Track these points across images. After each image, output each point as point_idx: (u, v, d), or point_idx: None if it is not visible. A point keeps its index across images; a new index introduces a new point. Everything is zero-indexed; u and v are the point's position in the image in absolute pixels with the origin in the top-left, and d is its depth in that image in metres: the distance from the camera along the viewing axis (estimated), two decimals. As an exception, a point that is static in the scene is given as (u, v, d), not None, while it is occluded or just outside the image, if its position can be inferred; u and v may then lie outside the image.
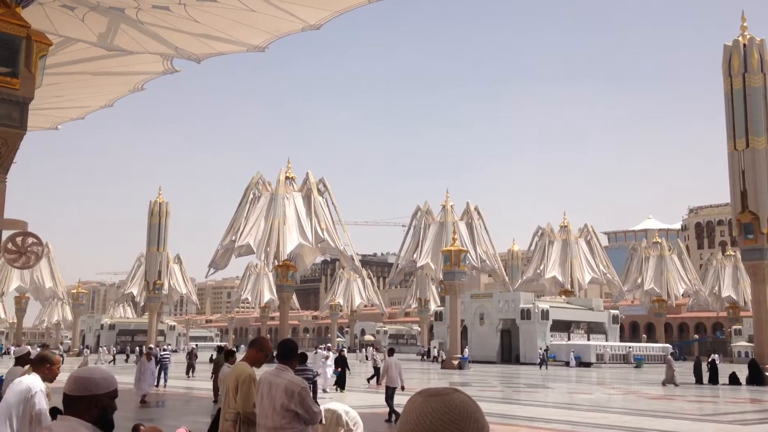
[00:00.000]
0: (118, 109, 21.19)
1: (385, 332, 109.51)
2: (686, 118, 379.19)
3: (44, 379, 6.31)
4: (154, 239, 66.70)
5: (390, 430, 16.72)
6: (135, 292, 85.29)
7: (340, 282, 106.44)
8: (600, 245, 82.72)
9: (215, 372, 26.55)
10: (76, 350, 77.20)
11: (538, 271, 77.71)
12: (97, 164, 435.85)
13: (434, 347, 68.19)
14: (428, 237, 71.27)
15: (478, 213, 73.41)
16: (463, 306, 59.80)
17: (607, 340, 65.24)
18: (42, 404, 5.97)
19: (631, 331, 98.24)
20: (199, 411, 21.58)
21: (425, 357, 69.19)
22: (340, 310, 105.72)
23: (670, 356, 38.33)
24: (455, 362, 49.75)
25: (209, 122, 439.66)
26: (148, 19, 13.22)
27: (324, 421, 9.33)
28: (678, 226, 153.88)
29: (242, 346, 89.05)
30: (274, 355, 6.75)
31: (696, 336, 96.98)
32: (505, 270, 78.43)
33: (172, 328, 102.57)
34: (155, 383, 25.86)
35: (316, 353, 31.54)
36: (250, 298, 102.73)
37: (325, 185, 54.91)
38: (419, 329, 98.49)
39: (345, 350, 40.22)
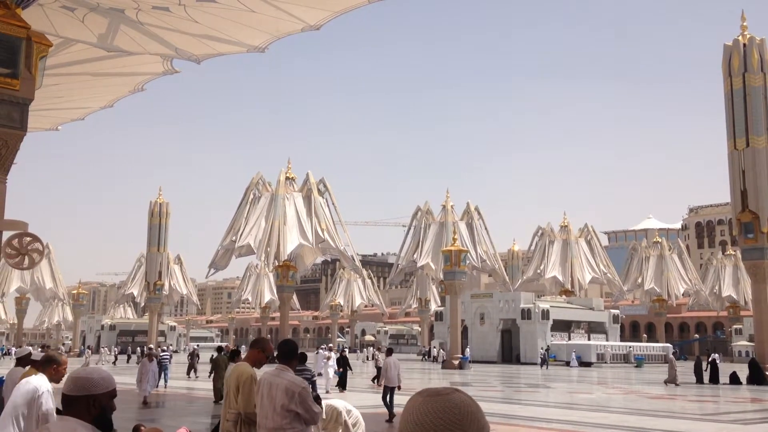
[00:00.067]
0: (118, 110, 21.22)
1: (386, 332, 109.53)
2: (686, 117, 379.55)
3: (51, 380, 6.32)
4: (155, 240, 66.74)
5: (391, 430, 16.73)
6: (135, 293, 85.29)
7: (341, 282, 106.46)
8: (600, 245, 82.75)
9: (212, 371, 26.63)
10: (77, 351, 77.25)
11: (539, 270, 77.72)
12: (97, 165, 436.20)
13: (434, 347, 68.21)
14: (428, 237, 71.29)
15: (479, 213, 73.43)
16: (464, 306, 59.82)
17: (607, 340, 65.24)
18: (49, 405, 5.98)
19: (632, 330, 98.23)
20: (200, 411, 21.59)
21: (426, 357, 69.21)
22: (341, 311, 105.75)
23: (672, 356, 38.33)
24: (456, 362, 49.76)
25: (209, 122, 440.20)
26: (148, 20, 13.22)
27: (324, 416, 9.36)
28: (678, 225, 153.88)
29: (243, 346, 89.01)
30: (275, 355, 6.76)
31: (696, 336, 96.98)
32: (506, 270, 78.46)
33: (173, 328, 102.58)
34: (157, 384, 25.84)
35: (317, 354, 31.57)
36: (250, 299, 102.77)
37: (325, 185, 54.91)
38: (420, 329, 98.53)
39: (347, 350, 40.25)
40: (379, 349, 55.34)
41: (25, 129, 10.80)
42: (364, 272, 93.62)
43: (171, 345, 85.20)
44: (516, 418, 18.90)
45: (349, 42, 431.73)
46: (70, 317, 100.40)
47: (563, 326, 63.88)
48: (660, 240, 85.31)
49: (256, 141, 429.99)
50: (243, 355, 10.83)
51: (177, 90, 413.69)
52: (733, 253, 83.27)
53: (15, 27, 10.63)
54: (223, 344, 68.57)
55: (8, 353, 76.92)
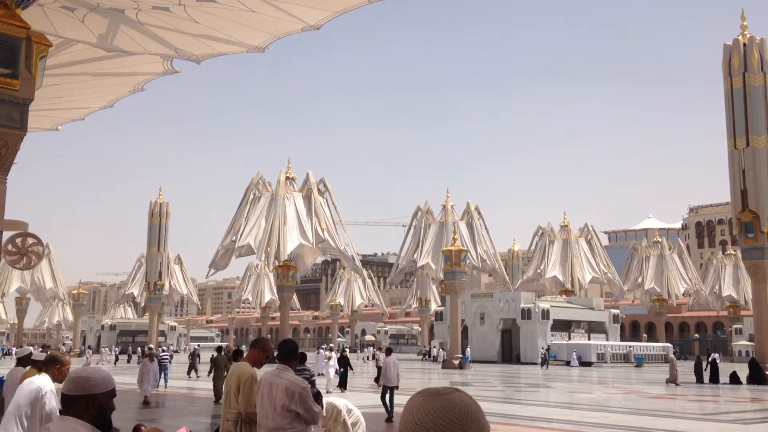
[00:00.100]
0: (118, 110, 21.21)
1: (386, 332, 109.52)
2: (686, 117, 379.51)
3: (54, 380, 6.33)
4: (155, 240, 66.73)
5: (391, 429, 16.72)
6: (135, 293, 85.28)
7: (341, 282, 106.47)
8: (600, 245, 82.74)
9: (211, 371, 26.66)
10: (77, 351, 77.26)
11: (539, 270, 77.71)
12: (97, 165, 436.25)
13: (434, 347, 68.19)
14: (429, 237, 71.28)
15: (479, 213, 73.41)
16: (464, 306, 59.82)
17: (607, 340, 65.24)
18: (52, 404, 5.99)
19: (632, 330, 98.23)
20: (200, 411, 21.60)
21: (426, 357, 69.19)
22: (341, 310, 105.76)
23: (673, 355, 38.32)
24: (456, 362, 49.76)
25: (209, 122, 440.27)
26: (148, 20, 13.22)
27: (324, 413, 9.36)
28: (678, 225, 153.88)
29: (244, 346, 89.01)
30: (275, 355, 6.76)
31: (696, 335, 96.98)
32: (506, 270, 78.45)
33: (173, 328, 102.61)
34: (157, 384, 25.84)
35: (318, 354, 31.57)
36: (250, 299, 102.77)
37: (325, 185, 54.90)
38: (420, 329, 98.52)
39: (347, 350, 40.29)
40: (380, 349, 55.32)
41: (25, 129, 10.80)
42: (365, 272, 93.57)
43: (172, 345, 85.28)
44: (516, 417, 18.90)
45: (349, 42, 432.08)
46: (70, 317, 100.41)
47: (563, 326, 63.88)
48: (660, 240, 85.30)
49: (256, 141, 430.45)
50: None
51: (177, 90, 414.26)
52: (734, 252, 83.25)
53: (15, 27, 10.63)
54: (224, 344, 68.63)
55: (9, 353, 76.95)
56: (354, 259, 56.82)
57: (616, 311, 71.98)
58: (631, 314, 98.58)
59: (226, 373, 23.61)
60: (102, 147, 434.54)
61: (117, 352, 63.65)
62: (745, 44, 38.79)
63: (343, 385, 28.48)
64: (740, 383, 34.61)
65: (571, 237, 79.21)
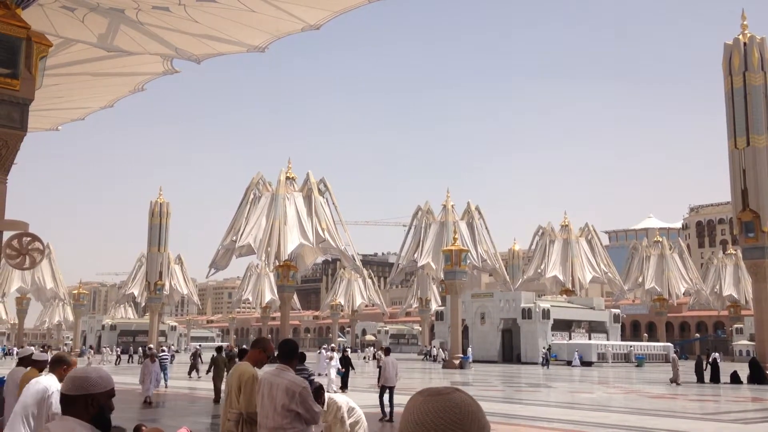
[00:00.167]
0: (118, 110, 21.20)
1: (386, 332, 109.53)
2: (686, 117, 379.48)
3: (60, 380, 6.35)
4: (155, 240, 66.73)
5: (390, 429, 16.72)
6: (136, 293, 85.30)
7: (341, 282, 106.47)
8: (601, 244, 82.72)
9: (210, 370, 26.67)
10: (77, 351, 77.25)
11: (539, 270, 77.70)
12: (97, 165, 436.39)
13: (434, 347, 68.18)
14: (429, 236, 71.27)
15: (479, 212, 73.39)
16: (464, 305, 59.82)
17: (608, 340, 65.22)
18: (59, 404, 6.02)
19: (632, 330, 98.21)
20: (201, 411, 21.61)
21: (427, 356, 69.15)
22: (341, 310, 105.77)
23: (674, 355, 38.30)
24: (456, 362, 49.77)
25: (209, 122, 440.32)
26: (148, 20, 13.22)
27: (325, 408, 9.36)
28: (679, 224, 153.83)
29: (244, 346, 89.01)
30: (275, 355, 6.76)
31: (697, 335, 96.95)
32: (506, 269, 78.43)
33: (174, 328, 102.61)
34: (158, 384, 25.82)
35: (320, 354, 31.59)
36: (251, 299, 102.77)
37: (325, 185, 54.89)
38: (420, 329, 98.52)
39: (349, 350, 40.29)
40: (381, 349, 55.35)
41: (26, 129, 10.80)
42: (365, 272, 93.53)
43: (173, 345, 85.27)
44: (517, 417, 18.89)
45: (349, 42, 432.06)
46: (70, 317, 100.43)
47: (564, 326, 63.88)
48: (661, 239, 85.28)
49: (257, 141, 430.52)
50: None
51: (177, 90, 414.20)
52: (734, 252, 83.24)
53: (15, 27, 10.63)
54: (225, 344, 68.59)
55: (9, 353, 76.97)
56: (354, 259, 56.83)
57: (617, 311, 71.97)
58: (632, 314, 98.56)
59: (226, 373, 23.68)
60: (102, 147, 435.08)
61: (119, 353, 63.63)
62: (745, 43, 38.78)
63: (344, 385, 28.47)
64: (741, 383, 34.61)
65: (572, 237, 79.21)
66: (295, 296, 72.65)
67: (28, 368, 8.41)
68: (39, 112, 16.42)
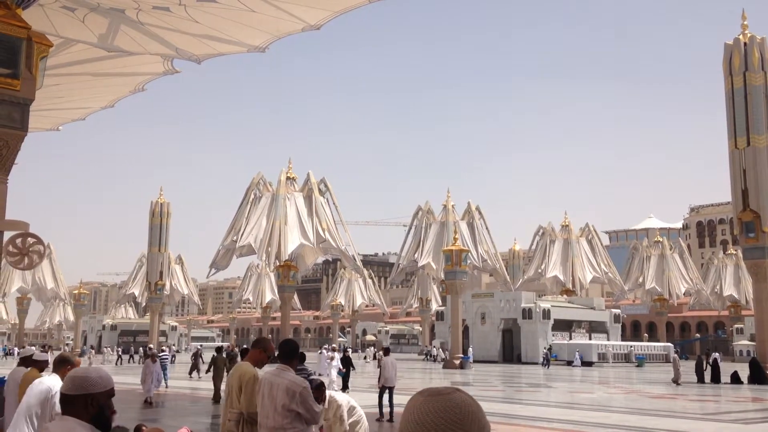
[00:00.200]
0: (118, 110, 21.22)
1: (387, 332, 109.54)
2: (687, 117, 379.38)
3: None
4: (156, 240, 66.73)
5: (391, 429, 16.72)
6: (136, 293, 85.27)
7: (342, 282, 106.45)
8: (601, 244, 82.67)
9: (209, 369, 26.68)
10: (78, 351, 77.26)
11: (540, 270, 77.67)
12: (98, 165, 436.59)
13: (434, 347, 68.14)
14: (429, 237, 71.24)
15: (479, 212, 73.36)
16: (465, 305, 59.81)
17: (608, 340, 65.20)
18: None
19: (633, 330, 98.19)
20: (202, 411, 21.62)
21: (428, 357, 69.12)
22: (342, 310, 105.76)
23: (675, 355, 38.25)
24: (457, 362, 49.76)
25: (210, 122, 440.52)
26: (149, 20, 13.22)
27: (326, 405, 9.37)
28: (679, 224, 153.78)
29: (245, 346, 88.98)
30: (275, 355, 6.76)
31: (698, 335, 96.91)
32: (507, 269, 78.39)
33: (174, 328, 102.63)
34: (159, 385, 25.80)
35: (321, 354, 31.57)
36: (251, 299, 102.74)
37: (326, 185, 54.86)
38: (421, 329, 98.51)
39: (350, 350, 40.26)
40: (381, 349, 55.34)
41: (26, 129, 10.80)
42: (365, 272, 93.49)
43: (174, 345, 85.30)
44: (517, 417, 18.89)
45: (349, 42, 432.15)
46: (71, 317, 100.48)
47: (564, 326, 63.87)
48: (661, 239, 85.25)
49: (257, 141, 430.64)
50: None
51: (177, 90, 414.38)
52: (735, 252, 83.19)
53: (15, 27, 10.63)
54: (225, 344, 68.47)
55: (10, 353, 76.99)
56: (355, 259, 56.80)
57: (617, 311, 71.95)
58: (632, 314, 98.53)
59: (226, 373, 23.68)
60: (103, 147, 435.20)
61: (120, 353, 63.62)
62: (745, 43, 38.77)
63: (345, 385, 28.44)
64: (741, 383, 34.60)
65: (572, 237, 79.18)
66: (295, 296, 72.63)
67: (29, 368, 8.42)
68: (39, 112, 16.43)
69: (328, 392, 9.42)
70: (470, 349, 58.61)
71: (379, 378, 19.13)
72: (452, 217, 71.42)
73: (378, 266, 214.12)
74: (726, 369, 38.60)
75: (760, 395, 28.56)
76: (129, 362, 59.44)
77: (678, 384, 33.55)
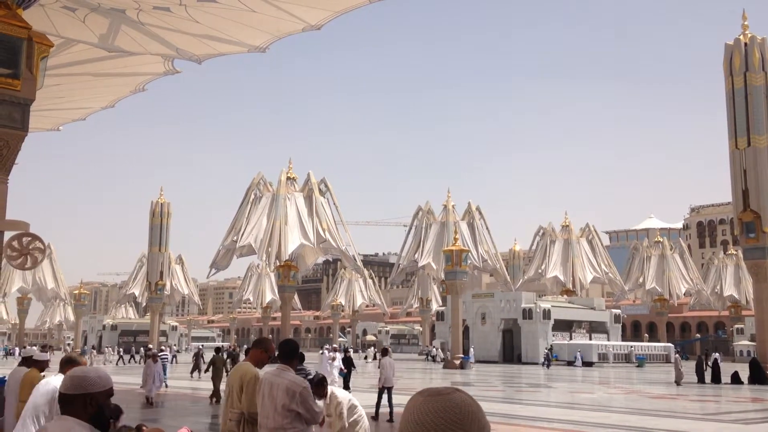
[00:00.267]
0: (119, 110, 21.22)
1: (387, 332, 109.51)
2: (687, 117, 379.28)
3: None
4: (156, 240, 66.74)
5: (391, 429, 16.72)
6: (137, 293, 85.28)
7: (342, 282, 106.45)
8: (601, 244, 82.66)
9: (208, 370, 26.70)
10: (78, 351, 77.26)
11: (540, 270, 77.66)
12: (98, 165, 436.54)
13: (433, 347, 68.10)
14: (430, 237, 71.24)
15: (480, 213, 73.36)
16: (465, 306, 59.80)
17: (608, 340, 65.19)
18: None
19: (633, 330, 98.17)
20: (202, 411, 21.63)
21: (428, 357, 69.08)
22: (342, 310, 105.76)
23: (677, 355, 38.20)
24: (457, 362, 49.76)
25: (210, 122, 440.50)
26: (149, 20, 13.23)
27: (327, 401, 9.37)
28: (680, 225, 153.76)
29: (245, 346, 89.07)
30: (276, 355, 6.76)
31: (698, 335, 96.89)
32: (507, 269, 78.38)
33: (174, 328, 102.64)
34: (161, 384, 25.79)
35: (322, 354, 31.60)
36: (251, 299, 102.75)
37: (326, 185, 54.86)
38: (421, 329, 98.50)
39: (351, 351, 40.22)
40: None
41: (27, 129, 10.81)
42: (366, 272, 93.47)
43: (175, 345, 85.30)
44: (517, 417, 18.89)
45: (350, 42, 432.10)
46: (71, 317, 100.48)
47: (564, 326, 63.86)
48: (661, 239, 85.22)
49: (257, 141, 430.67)
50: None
51: (178, 90, 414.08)
52: (735, 252, 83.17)
53: (16, 27, 10.64)
54: (226, 344, 68.47)
55: (11, 353, 77.00)
56: (355, 259, 56.80)
57: (618, 311, 71.93)
58: (633, 314, 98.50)
59: (225, 373, 23.70)
60: (103, 147, 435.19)
61: (121, 353, 63.60)
62: (746, 44, 38.76)
63: (346, 386, 28.43)
64: (741, 383, 34.59)
65: (572, 237, 79.16)
66: (295, 296, 72.66)
67: (30, 368, 8.42)
68: (40, 112, 16.44)
69: (329, 388, 9.42)
70: (471, 349, 58.62)
71: (379, 378, 19.15)
72: (452, 217, 71.41)
73: (378, 266, 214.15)
74: (726, 369, 38.58)
75: (760, 395, 28.55)
76: (130, 362, 59.43)
77: (678, 384, 33.52)
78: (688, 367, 41.30)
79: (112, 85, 17.69)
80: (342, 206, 55.75)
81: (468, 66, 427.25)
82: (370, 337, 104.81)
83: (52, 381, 6.24)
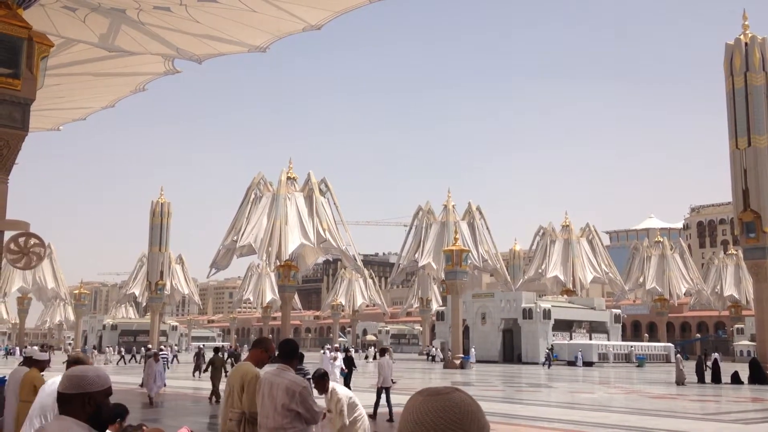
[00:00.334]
0: (119, 110, 21.24)
1: (387, 332, 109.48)
2: (687, 117, 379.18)
3: None
4: (156, 239, 66.74)
5: (390, 429, 16.72)
6: (137, 293, 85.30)
7: (342, 282, 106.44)
8: (602, 244, 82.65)
9: (207, 369, 26.72)
10: (78, 350, 77.24)
11: (540, 270, 77.65)
12: (98, 165, 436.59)
13: (433, 347, 68.06)
14: (430, 237, 71.25)
15: (480, 213, 73.36)
16: (465, 306, 59.80)
17: (609, 340, 65.19)
18: None
19: (633, 330, 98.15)
20: (203, 411, 21.64)
21: (428, 357, 69.05)
22: (342, 310, 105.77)
23: (679, 355, 38.19)
24: (457, 362, 49.76)
25: (210, 122, 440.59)
26: (149, 20, 13.23)
27: (329, 396, 9.38)
28: (680, 225, 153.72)
29: (245, 345, 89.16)
30: (276, 354, 6.75)
31: (698, 335, 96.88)
32: (507, 269, 78.40)
33: (174, 328, 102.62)
34: (163, 384, 25.79)
35: (323, 354, 31.58)
36: (252, 299, 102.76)
37: (327, 185, 54.87)
38: (421, 329, 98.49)
39: (352, 350, 40.17)
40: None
41: (27, 129, 10.81)
42: (366, 272, 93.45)
43: (175, 345, 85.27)
44: (517, 417, 18.89)
45: (350, 42, 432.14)
46: (71, 317, 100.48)
47: (565, 326, 63.86)
48: (661, 239, 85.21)
49: (258, 141, 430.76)
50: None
51: (178, 90, 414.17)
52: (735, 252, 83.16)
53: (16, 27, 10.64)
54: (226, 344, 68.43)
55: (11, 353, 77.00)
56: (355, 259, 56.81)
57: (618, 311, 71.92)
58: (633, 314, 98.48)
59: (224, 373, 23.70)
60: (103, 147, 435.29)
61: (123, 353, 63.66)
62: (746, 44, 38.74)
63: (347, 386, 28.41)
64: (741, 383, 34.58)
65: (573, 237, 79.16)
66: (296, 296, 72.67)
67: (30, 368, 8.42)
68: (40, 112, 16.44)
69: (331, 384, 9.43)
70: (472, 349, 58.61)
71: (377, 378, 19.15)
72: (453, 217, 71.41)
73: (378, 266, 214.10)
74: (726, 369, 38.57)
75: (760, 395, 28.55)
76: (130, 362, 59.42)
77: (677, 384, 33.49)
78: (689, 367, 41.32)
79: (112, 85, 17.70)
80: (342, 206, 55.80)
81: (468, 66, 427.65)
82: (370, 337, 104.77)
83: (59, 381, 6.27)
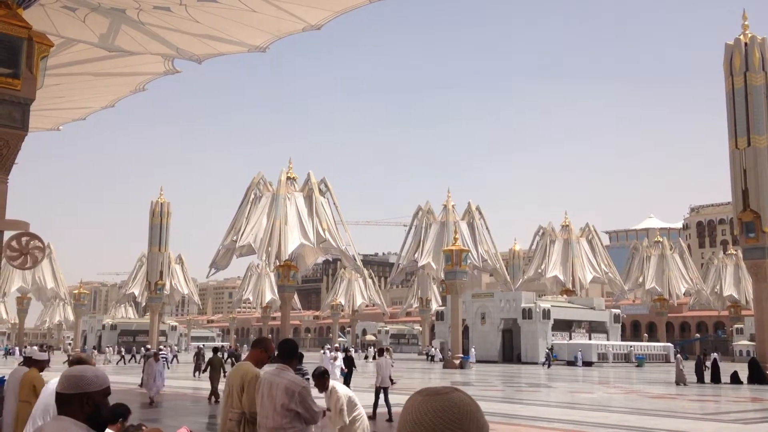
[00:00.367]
0: (119, 110, 21.25)
1: (387, 332, 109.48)
2: (687, 117, 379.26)
3: None
4: (156, 239, 66.73)
5: (390, 429, 16.72)
6: (136, 293, 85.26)
7: (342, 282, 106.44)
8: (601, 244, 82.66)
9: (206, 369, 26.73)
10: (78, 351, 77.24)
11: (540, 270, 77.66)
12: (98, 165, 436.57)
13: (433, 347, 68.05)
14: (429, 236, 71.26)
15: (480, 212, 73.37)
16: (465, 305, 59.80)
17: (608, 340, 65.20)
18: None
19: (633, 330, 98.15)
20: (203, 411, 21.64)
21: (428, 357, 69.03)
22: (342, 310, 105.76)
23: (679, 356, 38.19)
24: (457, 361, 49.76)
25: (210, 122, 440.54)
26: (149, 20, 13.24)
27: (329, 393, 9.38)
28: (679, 225, 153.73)
29: (245, 345, 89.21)
30: (275, 354, 6.76)
31: (697, 335, 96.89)
32: (507, 269, 78.41)
33: (174, 328, 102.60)
34: (163, 384, 25.78)
35: (323, 354, 31.58)
36: (251, 299, 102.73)
37: (326, 185, 54.86)
38: (421, 329, 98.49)
39: (352, 350, 40.17)
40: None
41: (27, 129, 10.81)
42: (365, 272, 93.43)
43: (175, 345, 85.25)
44: (517, 417, 18.89)
45: (350, 42, 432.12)
46: (71, 317, 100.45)
47: (564, 326, 63.86)
48: (661, 239, 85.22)
49: (257, 141, 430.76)
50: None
51: (178, 90, 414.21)
52: (735, 252, 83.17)
53: (16, 27, 10.64)
54: (226, 344, 68.42)
55: (11, 353, 76.98)
56: (355, 259, 56.80)
57: (617, 311, 71.92)
58: (632, 314, 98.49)
59: (223, 374, 23.70)
60: (103, 147, 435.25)
61: (123, 353, 63.68)
62: (746, 44, 38.76)
63: (347, 386, 28.42)
64: (741, 383, 34.59)
65: (572, 237, 79.16)
66: (295, 296, 72.62)
67: (30, 368, 8.42)
68: (40, 111, 16.44)
69: (331, 382, 9.43)
70: (472, 349, 58.59)
71: (376, 378, 19.16)
72: (452, 217, 71.42)
73: (378, 266, 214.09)
74: (726, 369, 38.58)
75: (759, 395, 28.55)
76: (130, 362, 59.40)
77: (677, 384, 33.48)
78: (688, 367, 41.33)
79: (112, 85, 17.70)
80: (342, 206, 55.80)
81: (468, 66, 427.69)
82: (369, 337, 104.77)
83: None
